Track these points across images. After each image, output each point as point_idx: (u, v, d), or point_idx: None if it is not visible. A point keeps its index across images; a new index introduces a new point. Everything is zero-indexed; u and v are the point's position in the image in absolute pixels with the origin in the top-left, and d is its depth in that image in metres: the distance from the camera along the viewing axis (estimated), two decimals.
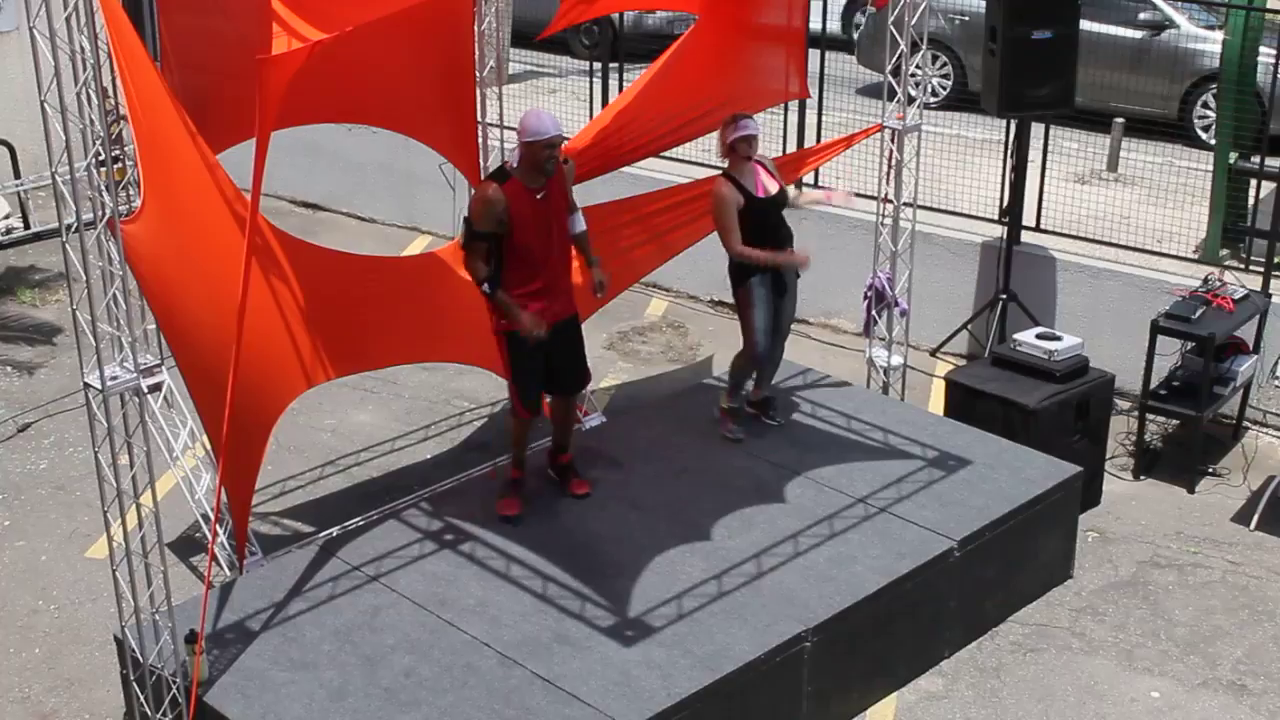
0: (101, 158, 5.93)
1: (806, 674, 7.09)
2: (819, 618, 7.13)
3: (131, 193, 8.07)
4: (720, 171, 8.74)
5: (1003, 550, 8.05)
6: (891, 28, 9.21)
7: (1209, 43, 14.49)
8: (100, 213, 6.02)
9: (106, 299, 6.10)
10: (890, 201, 9.60)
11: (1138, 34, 15.21)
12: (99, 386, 6.09)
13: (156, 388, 7.76)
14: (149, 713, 6.59)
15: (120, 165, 8.58)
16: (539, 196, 7.64)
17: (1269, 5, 11.17)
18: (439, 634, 7.01)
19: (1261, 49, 11.29)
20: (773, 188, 8.64)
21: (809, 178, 11.79)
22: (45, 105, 5.75)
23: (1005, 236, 11.02)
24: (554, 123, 7.55)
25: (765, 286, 8.65)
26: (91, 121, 5.88)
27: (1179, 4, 15.34)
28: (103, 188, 5.95)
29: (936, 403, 10.18)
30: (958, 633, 7.94)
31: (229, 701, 6.53)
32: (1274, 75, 10.97)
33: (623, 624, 7.05)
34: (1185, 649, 7.98)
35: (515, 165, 7.59)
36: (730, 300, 9.09)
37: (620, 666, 6.76)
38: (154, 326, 7.65)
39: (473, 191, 9.13)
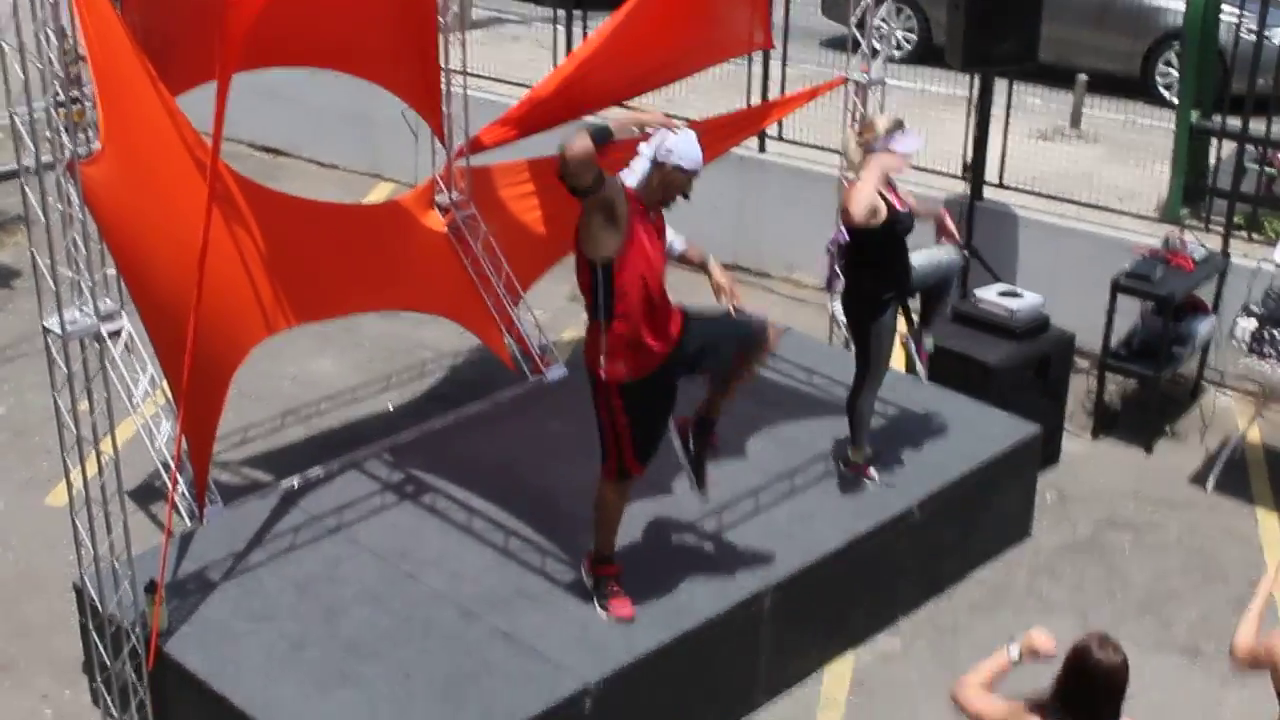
0: (60, 98, 5.84)
1: (765, 631, 7.12)
2: (779, 575, 7.15)
3: (91, 135, 7.95)
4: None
5: (962, 509, 8.08)
6: None
7: (1172, 0, 14.50)
8: (59, 154, 5.94)
9: (66, 242, 6.04)
10: None
11: None
12: (58, 331, 6.03)
13: (116, 333, 7.73)
14: (108, 662, 6.55)
15: (79, 107, 8.44)
16: (652, 220, 6.50)
17: None
18: (399, 586, 6.99)
19: (1224, 8, 11.29)
20: (909, 206, 7.81)
21: (773, 130, 11.74)
22: (3, 44, 5.65)
23: (968, 193, 11.02)
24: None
25: (893, 317, 7.83)
26: (50, 61, 5.79)
27: None
28: (62, 129, 5.87)
29: (897, 358, 10.17)
30: (915, 592, 7.98)
31: (188, 651, 6.51)
32: (1236, 35, 11.01)
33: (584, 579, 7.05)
34: (1140, 610, 8.04)
35: (637, 184, 6.46)
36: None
37: (581, 622, 6.77)
38: (114, 271, 7.57)
39: (435, 139, 9.09)
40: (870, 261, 7.73)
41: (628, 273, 6.30)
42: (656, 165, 6.41)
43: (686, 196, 6.51)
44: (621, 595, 6.86)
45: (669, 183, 6.42)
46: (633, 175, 6.47)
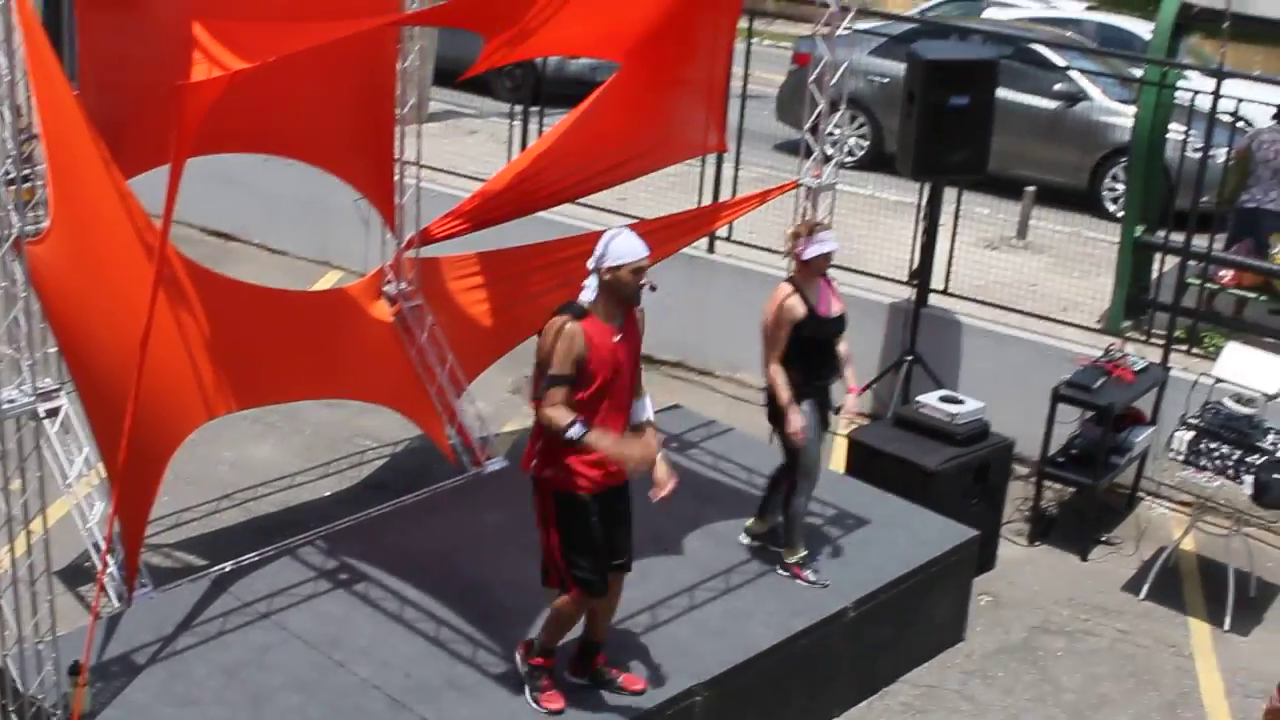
0: (11, 176, 5.86)
1: None
2: (711, 672, 7.13)
3: (40, 213, 7.97)
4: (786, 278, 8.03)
5: (897, 611, 8.10)
6: (812, 86, 9.30)
7: (1121, 116, 14.79)
8: (6, 231, 5.94)
9: (8, 320, 6.03)
10: None
11: (1052, 104, 15.49)
12: None
13: (54, 412, 7.72)
14: None
15: (30, 185, 8.47)
16: (616, 339, 6.54)
17: (1180, 83, 11.39)
18: (329, 674, 6.94)
19: (1172, 125, 11.51)
20: (836, 309, 8.02)
21: (723, 231, 11.85)
22: None
23: (913, 298, 11.13)
24: (643, 244, 6.53)
25: (814, 410, 7.96)
26: (3, 139, 5.81)
27: (1093, 77, 15.64)
28: (11, 206, 5.88)
29: (838, 460, 10.24)
30: (849, 692, 7.97)
31: None
32: (1182, 152, 11.20)
33: (514, 671, 6.99)
34: (1072, 715, 8.06)
35: (591, 299, 6.51)
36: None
37: (511, 713, 6.73)
38: (55, 350, 7.55)
39: (386, 229, 9.13)
40: (792, 363, 7.85)
41: (579, 397, 6.42)
42: (598, 274, 6.49)
43: (652, 288, 6.54)
44: (554, 689, 6.83)
45: (619, 283, 6.47)
46: (588, 292, 6.53)
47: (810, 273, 7.91)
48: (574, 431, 6.28)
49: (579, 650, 7.01)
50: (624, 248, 6.46)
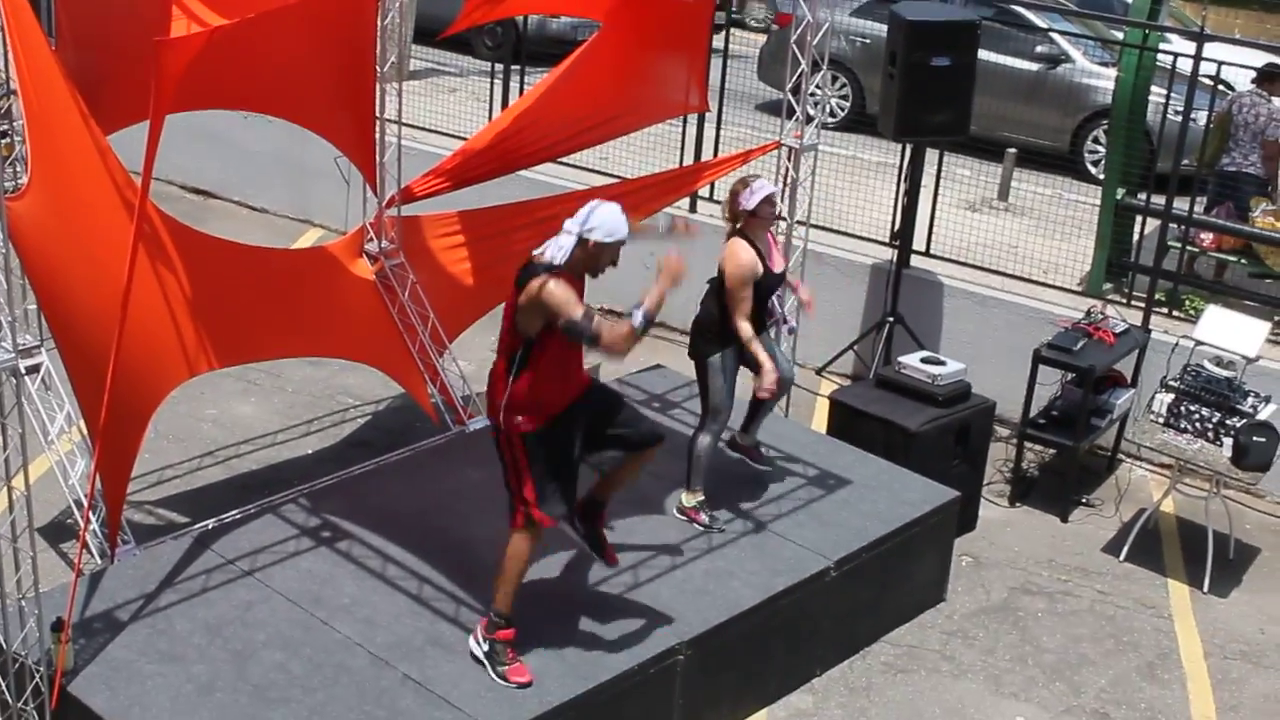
0: None
1: (679, 687, 7.11)
2: (693, 631, 7.15)
3: (19, 169, 7.92)
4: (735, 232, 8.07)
5: (878, 571, 8.13)
6: (793, 46, 9.28)
7: (1103, 79, 14.79)
8: None
9: None
10: (784, 219, 9.67)
11: (1034, 66, 15.48)
12: None
13: (35, 369, 7.68)
14: (10, 701, 6.45)
15: (8, 141, 8.43)
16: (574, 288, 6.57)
17: (1162, 46, 11.40)
18: (311, 632, 6.94)
19: (1153, 88, 11.51)
20: (780, 264, 8.20)
21: (704, 191, 11.83)
22: None
23: (895, 260, 11.14)
24: (626, 222, 6.60)
25: (734, 359, 8.07)
26: None
27: (1075, 39, 15.63)
28: None
29: (820, 421, 10.26)
30: (830, 651, 8.00)
31: (93, 692, 6.42)
32: (1164, 114, 11.21)
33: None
34: (1051, 675, 8.10)
35: (564, 261, 6.46)
36: None
37: None
38: (35, 306, 7.52)
39: (367, 187, 9.10)
40: (724, 310, 7.97)
41: (546, 349, 6.50)
42: (581, 241, 6.48)
43: (614, 264, 6.60)
44: (518, 662, 6.74)
45: (594, 255, 6.51)
46: (558, 250, 6.49)
47: (759, 223, 8.01)
48: (639, 321, 6.29)
49: (587, 505, 6.98)
50: (615, 224, 6.50)
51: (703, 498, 8.13)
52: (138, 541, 7.76)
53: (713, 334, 8.04)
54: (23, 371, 6.12)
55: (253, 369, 10.06)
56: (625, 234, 6.53)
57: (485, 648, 6.77)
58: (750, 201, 7.93)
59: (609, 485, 7.06)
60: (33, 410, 7.54)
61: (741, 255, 7.91)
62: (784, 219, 9.65)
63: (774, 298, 9.19)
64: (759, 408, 8.51)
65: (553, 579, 7.45)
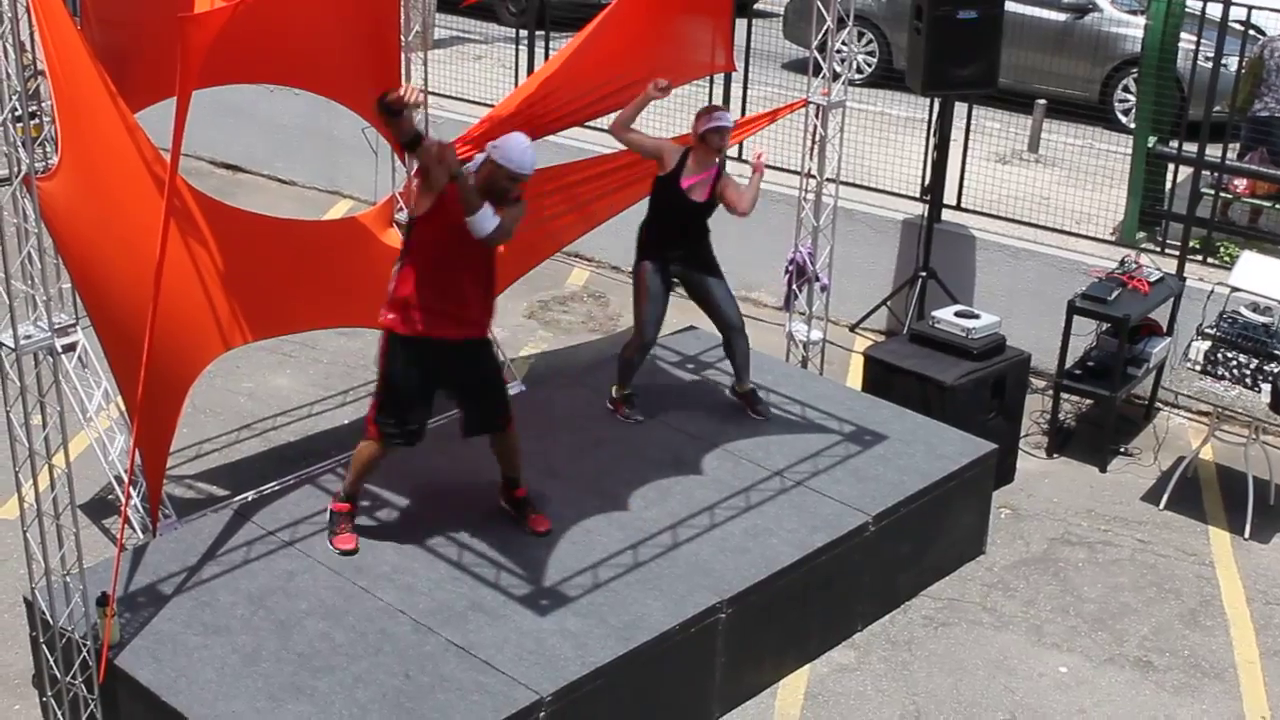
0: (18, 113, 5.84)
1: (720, 645, 7.14)
2: (734, 589, 7.17)
3: (49, 149, 7.96)
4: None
5: (917, 525, 8.12)
6: (818, 3, 9.24)
7: (1131, 27, 14.66)
8: (16, 169, 5.93)
9: (21, 256, 6.01)
10: (813, 177, 9.65)
11: (1061, 16, 15.36)
12: (11, 345, 5.99)
13: (71, 347, 7.75)
14: (59, 675, 6.52)
15: (37, 122, 8.46)
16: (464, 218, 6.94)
17: None
18: (353, 600, 6.98)
19: (1183, 35, 11.42)
20: (699, 197, 8.48)
21: (732, 150, 11.80)
22: None
23: (926, 214, 11.10)
24: (533, 163, 7.00)
25: (659, 274, 8.56)
26: (8, 75, 5.79)
27: None
28: (19, 143, 5.86)
29: (855, 378, 10.25)
30: (871, 606, 8.01)
31: (140, 665, 6.49)
32: (1194, 61, 11.12)
33: (538, 593, 7.06)
34: (1093, 625, 8.09)
35: (474, 168, 6.99)
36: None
37: (535, 635, 6.77)
38: (69, 285, 7.57)
39: (395, 157, 9.11)
40: (650, 220, 8.61)
41: (423, 234, 6.97)
42: (488, 157, 6.94)
43: (508, 199, 6.95)
44: (348, 532, 7.34)
45: (490, 176, 6.92)
46: (473, 164, 6.99)
47: (703, 149, 8.44)
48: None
49: (503, 483, 7.64)
50: (517, 155, 6.93)
51: (629, 392, 8.78)
52: (178, 515, 7.82)
53: (640, 244, 8.63)
54: (59, 350, 6.17)
55: (287, 341, 10.09)
56: (519, 168, 6.91)
57: (327, 515, 7.42)
58: (699, 126, 8.43)
59: (501, 463, 7.62)
60: (70, 388, 7.60)
61: (664, 142, 8.62)
62: (814, 176, 9.63)
63: (805, 254, 9.28)
64: (733, 352, 8.82)
65: (592, 540, 7.48)
